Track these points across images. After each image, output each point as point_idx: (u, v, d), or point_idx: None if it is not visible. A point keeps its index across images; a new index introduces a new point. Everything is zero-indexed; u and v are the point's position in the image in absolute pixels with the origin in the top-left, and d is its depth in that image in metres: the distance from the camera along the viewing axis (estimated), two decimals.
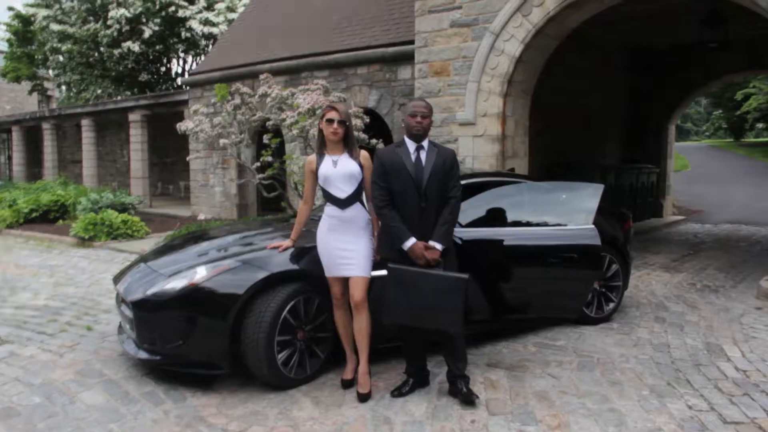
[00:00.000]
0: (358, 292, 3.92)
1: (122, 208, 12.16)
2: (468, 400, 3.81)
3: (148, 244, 10.00)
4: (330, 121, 3.96)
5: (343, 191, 3.98)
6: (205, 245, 4.75)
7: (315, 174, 4.08)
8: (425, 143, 3.94)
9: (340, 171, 3.97)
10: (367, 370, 4.04)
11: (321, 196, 4.18)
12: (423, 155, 3.90)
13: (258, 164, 9.02)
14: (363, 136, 8.58)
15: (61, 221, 12.83)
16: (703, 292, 6.94)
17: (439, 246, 3.80)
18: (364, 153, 4.09)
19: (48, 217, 12.92)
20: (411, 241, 3.79)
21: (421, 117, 3.89)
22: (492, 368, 4.47)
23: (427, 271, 3.77)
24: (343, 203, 3.98)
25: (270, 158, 8.82)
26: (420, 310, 3.74)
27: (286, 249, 4.21)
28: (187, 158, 11.61)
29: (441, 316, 3.73)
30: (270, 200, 11.30)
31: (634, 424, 3.57)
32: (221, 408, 3.86)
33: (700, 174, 25.53)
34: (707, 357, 4.74)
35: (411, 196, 3.84)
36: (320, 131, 4.07)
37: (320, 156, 4.07)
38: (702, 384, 4.18)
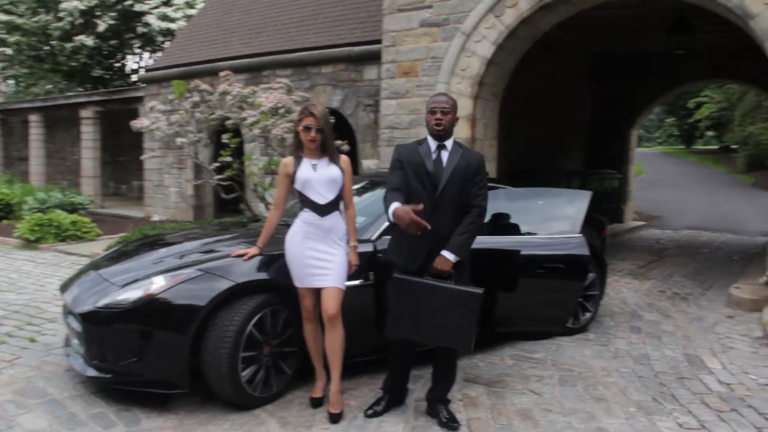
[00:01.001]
0: (332, 305, 3.62)
1: (72, 209, 11.55)
2: (449, 427, 3.53)
3: (100, 246, 9.49)
4: (308, 128, 3.66)
5: (323, 197, 3.68)
6: (162, 252, 4.37)
7: (291, 178, 3.76)
8: (449, 143, 3.56)
9: (322, 176, 3.68)
10: (340, 389, 3.74)
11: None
12: (445, 155, 3.53)
13: (217, 164, 8.62)
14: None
15: (5, 221, 12.13)
16: (673, 300, 6.86)
17: (452, 257, 3.43)
18: (344, 158, 3.80)
19: None
20: (393, 206, 3.32)
21: (442, 113, 3.47)
22: (470, 384, 4.22)
23: (437, 284, 3.42)
24: (323, 210, 3.68)
25: (229, 158, 8.45)
26: (427, 326, 3.43)
27: (252, 257, 3.88)
28: (142, 157, 11.10)
29: (450, 334, 3.42)
30: (227, 202, 10.88)
31: None
32: (179, 431, 3.51)
33: (655, 180, 25.95)
34: (689, 369, 4.60)
35: (426, 197, 3.46)
36: (296, 134, 3.76)
37: (297, 159, 3.76)
38: (688, 399, 4.02)
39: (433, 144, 3.56)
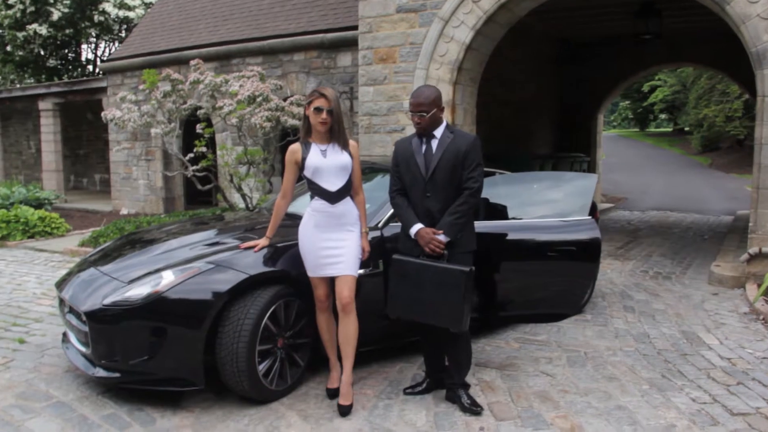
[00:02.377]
0: (346, 292, 3.58)
1: (37, 204, 11.18)
2: (472, 411, 3.54)
3: (71, 242, 9.20)
4: (318, 110, 3.57)
5: (334, 184, 3.61)
6: (162, 246, 4.23)
7: (300, 165, 3.68)
8: (438, 131, 3.61)
9: (332, 162, 3.61)
10: (351, 381, 3.69)
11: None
12: (434, 143, 3.60)
13: (191, 155, 8.43)
14: None
15: None
16: (657, 279, 7.01)
17: (442, 237, 3.50)
18: (352, 143, 3.74)
19: None
20: (416, 227, 3.55)
21: (419, 117, 3.54)
22: (482, 368, 4.23)
23: (428, 263, 3.50)
24: (333, 197, 3.61)
25: (204, 149, 8.27)
26: (420, 304, 3.50)
27: (262, 248, 3.79)
28: (115, 150, 10.77)
29: (441, 312, 3.46)
30: (199, 193, 10.67)
31: (647, 422, 3.42)
32: (197, 429, 3.42)
33: (615, 162, 26.47)
34: (689, 346, 4.70)
35: (418, 187, 3.60)
36: (306, 118, 3.67)
37: (306, 145, 3.68)
38: (695, 375, 4.11)
39: (418, 139, 3.67)
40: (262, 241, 3.82)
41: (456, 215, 3.50)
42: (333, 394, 3.77)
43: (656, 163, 28.02)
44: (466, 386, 3.69)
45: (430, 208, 3.57)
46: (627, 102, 46.60)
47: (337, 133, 3.66)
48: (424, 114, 3.53)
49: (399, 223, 3.76)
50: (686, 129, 36.57)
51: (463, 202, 3.52)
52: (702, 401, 3.70)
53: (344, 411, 3.59)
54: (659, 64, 14.88)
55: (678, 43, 13.27)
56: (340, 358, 3.80)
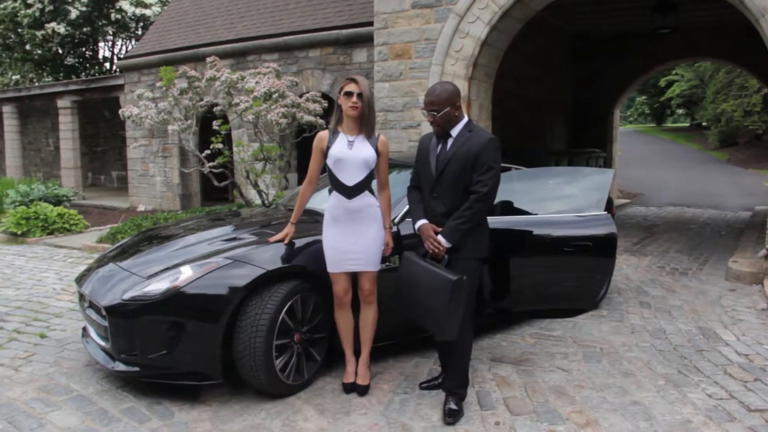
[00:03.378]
0: (368, 284, 3.70)
1: (56, 201, 11.31)
2: (445, 421, 3.40)
3: (89, 238, 9.32)
4: (349, 93, 3.57)
5: (352, 178, 3.62)
6: (181, 241, 4.29)
7: (324, 153, 3.70)
8: (455, 130, 3.50)
9: (356, 155, 3.60)
10: (368, 363, 3.85)
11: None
12: (449, 143, 3.51)
13: (208, 152, 8.49)
14: (321, 121, 8.20)
15: None
16: (674, 275, 6.97)
17: (443, 242, 3.40)
18: (382, 139, 3.72)
19: None
20: (420, 222, 3.54)
21: (431, 116, 3.46)
22: (498, 363, 4.24)
23: (424, 264, 3.43)
24: (350, 191, 3.63)
25: (221, 145, 8.33)
26: (417, 306, 3.45)
27: (290, 237, 3.84)
28: (132, 147, 10.88)
29: (429, 317, 3.39)
30: (215, 190, 10.74)
31: (663, 417, 3.42)
32: (215, 422, 3.46)
33: (631, 158, 26.27)
34: (705, 342, 4.68)
35: (428, 186, 3.58)
36: (338, 107, 3.67)
37: (334, 133, 3.69)
38: (712, 371, 4.09)
39: (437, 138, 3.60)
40: (287, 228, 3.87)
41: (460, 220, 3.38)
42: (349, 388, 3.81)
43: (673, 159, 27.77)
44: (455, 394, 3.54)
45: (435, 209, 3.53)
46: (643, 97, 46.19)
47: (367, 121, 3.65)
48: (435, 112, 3.45)
49: None
50: (704, 124, 36.21)
51: (468, 207, 3.38)
52: (718, 397, 3.69)
53: (361, 391, 3.74)
54: (676, 59, 14.77)
55: (695, 37, 13.15)
56: (356, 353, 3.84)
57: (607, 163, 14.35)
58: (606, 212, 4.99)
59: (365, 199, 3.67)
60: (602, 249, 5.04)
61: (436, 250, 3.42)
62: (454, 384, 3.55)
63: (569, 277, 5.03)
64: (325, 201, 3.88)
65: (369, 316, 3.77)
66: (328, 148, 3.66)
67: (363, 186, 3.65)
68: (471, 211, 3.40)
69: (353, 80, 3.60)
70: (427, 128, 8.51)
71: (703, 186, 18.86)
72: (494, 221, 4.63)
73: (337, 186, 3.66)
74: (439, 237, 3.43)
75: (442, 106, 3.44)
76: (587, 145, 14.04)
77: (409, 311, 3.56)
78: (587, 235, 4.91)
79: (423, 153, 3.65)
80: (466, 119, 3.56)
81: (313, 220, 4.15)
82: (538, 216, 4.84)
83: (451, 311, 3.27)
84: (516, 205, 4.82)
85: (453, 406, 3.47)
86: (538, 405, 3.60)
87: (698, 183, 19.65)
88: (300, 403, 3.67)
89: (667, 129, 44.85)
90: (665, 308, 5.59)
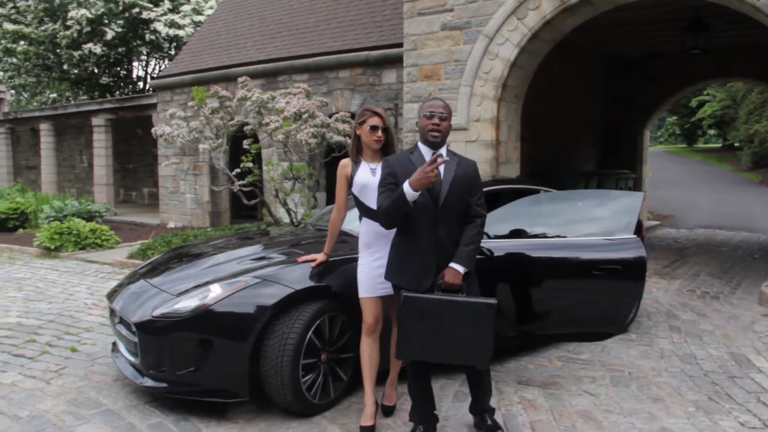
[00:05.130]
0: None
1: (89, 217, 11.56)
2: (493, 428, 3.46)
3: (120, 254, 9.48)
4: (374, 128, 3.60)
5: None
6: (210, 260, 4.36)
7: (349, 181, 3.74)
8: (443, 151, 3.30)
9: None
10: (395, 385, 3.81)
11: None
12: (442, 167, 3.24)
13: (238, 170, 8.62)
14: (350, 141, 8.26)
15: (21, 230, 12.13)
16: (704, 299, 6.85)
17: (461, 269, 3.22)
18: None
19: (7, 226, 12.20)
20: (405, 185, 3.11)
21: (439, 119, 3.22)
22: (524, 386, 4.21)
23: (450, 298, 3.17)
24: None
25: (251, 164, 8.45)
26: (441, 344, 3.20)
27: (319, 264, 3.86)
28: (163, 164, 11.08)
29: (467, 350, 3.21)
30: (244, 207, 10.88)
31: None
32: None
33: (662, 179, 25.92)
34: (737, 368, 4.58)
35: (426, 211, 3.24)
36: (356, 137, 3.71)
37: (356, 163, 3.74)
38: (744, 398, 4.01)
39: (427, 153, 3.29)
40: (320, 257, 3.88)
41: (473, 245, 3.28)
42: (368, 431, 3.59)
43: (704, 180, 27.34)
44: (492, 410, 3.55)
45: (442, 237, 3.27)
46: (674, 117, 45.69)
47: (386, 151, 3.68)
48: (446, 117, 3.26)
49: None
50: (736, 145, 35.65)
51: (477, 232, 3.31)
52: (751, 426, 3.61)
53: (388, 411, 3.74)
54: (707, 80, 14.56)
55: (727, 57, 12.99)
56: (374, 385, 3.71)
57: (637, 185, 14.18)
58: (635, 235, 4.94)
59: None
60: (631, 272, 4.99)
61: (456, 282, 3.24)
62: (488, 400, 3.56)
63: (598, 300, 4.98)
64: (352, 222, 3.91)
65: None
66: (352, 176, 3.69)
67: None
68: (481, 236, 3.36)
69: (377, 114, 3.62)
70: (456, 150, 8.52)
71: (735, 208, 18.51)
72: (523, 244, 4.63)
73: (366, 212, 3.67)
74: (455, 265, 3.24)
75: (450, 117, 3.33)
76: (617, 166, 13.89)
77: (426, 353, 3.25)
78: (616, 259, 4.86)
79: (411, 172, 3.15)
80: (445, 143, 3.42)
81: (340, 240, 4.18)
82: (567, 239, 4.81)
83: (490, 336, 3.21)
84: (545, 227, 4.81)
85: (491, 421, 3.49)
86: (564, 429, 3.56)
87: (730, 205, 19.30)
88: (326, 423, 3.68)
89: (698, 150, 44.21)
90: (696, 333, 5.50)
